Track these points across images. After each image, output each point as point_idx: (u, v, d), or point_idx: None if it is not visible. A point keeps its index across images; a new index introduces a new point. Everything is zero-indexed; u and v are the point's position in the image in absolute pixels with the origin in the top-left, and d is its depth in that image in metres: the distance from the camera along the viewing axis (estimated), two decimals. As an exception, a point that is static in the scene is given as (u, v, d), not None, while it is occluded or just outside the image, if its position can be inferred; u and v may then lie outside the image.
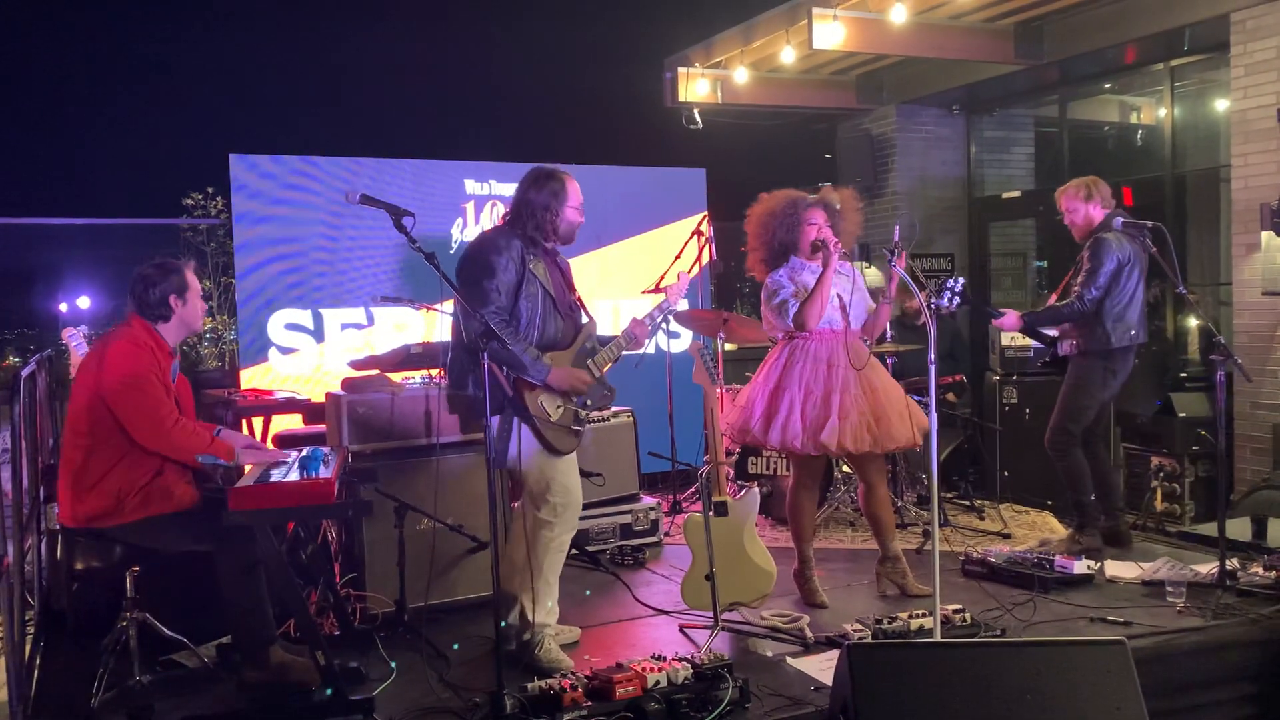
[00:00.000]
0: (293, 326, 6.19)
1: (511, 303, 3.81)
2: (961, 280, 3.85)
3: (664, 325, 5.86)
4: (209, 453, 3.69)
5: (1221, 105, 7.23)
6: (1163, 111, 7.61)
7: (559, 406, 3.88)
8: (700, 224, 6.49)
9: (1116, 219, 5.05)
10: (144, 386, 3.64)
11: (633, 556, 5.41)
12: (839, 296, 4.50)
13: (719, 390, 4.74)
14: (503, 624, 3.82)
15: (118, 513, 3.65)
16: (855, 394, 4.41)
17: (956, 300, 3.81)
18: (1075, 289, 5.10)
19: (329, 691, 3.43)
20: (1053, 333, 5.35)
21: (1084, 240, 5.23)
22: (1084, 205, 5.24)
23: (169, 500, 3.70)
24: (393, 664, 3.88)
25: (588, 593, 4.68)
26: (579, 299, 4.14)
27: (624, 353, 4.16)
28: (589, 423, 4.13)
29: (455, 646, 3.91)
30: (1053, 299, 5.47)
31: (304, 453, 3.88)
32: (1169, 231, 4.95)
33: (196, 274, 3.93)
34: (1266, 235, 6.03)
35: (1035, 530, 5.98)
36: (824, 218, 4.55)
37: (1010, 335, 6.92)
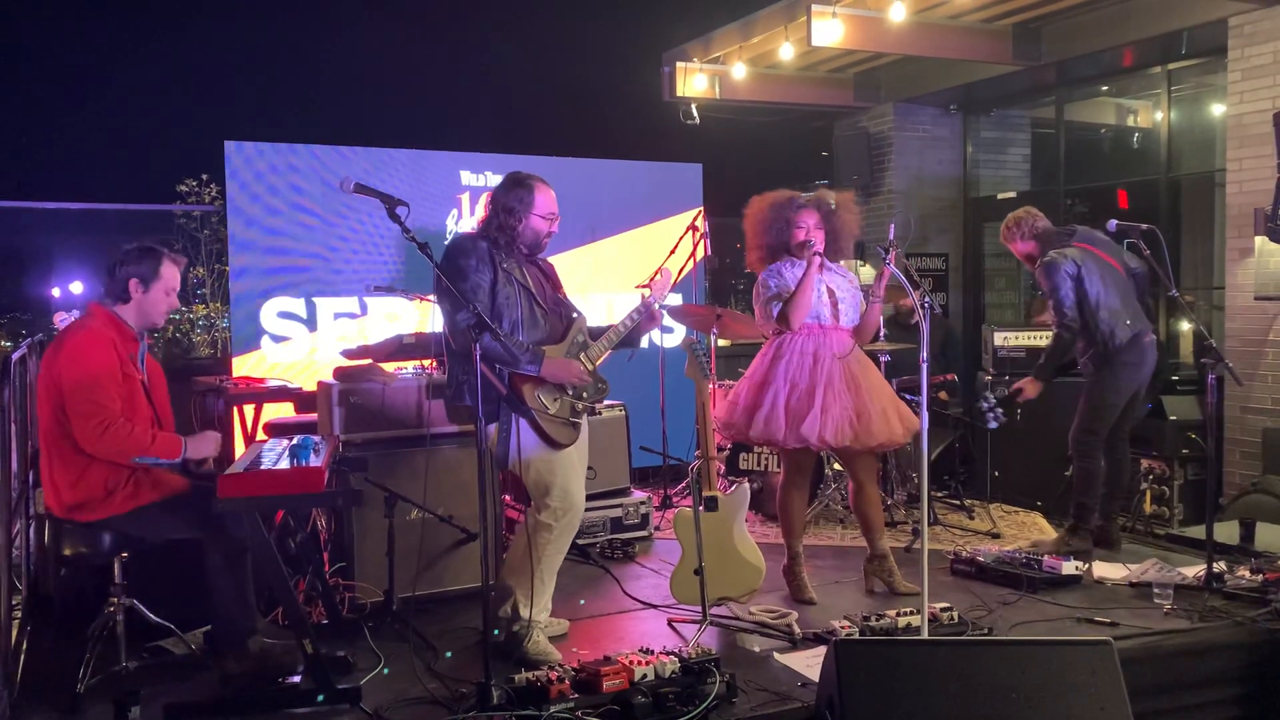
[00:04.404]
0: (285, 315, 6.17)
1: (491, 301, 3.79)
2: (990, 396, 3.98)
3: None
4: (150, 454, 3.61)
5: (1218, 109, 7.25)
6: (1159, 115, 7.62)
7: (556, 399, 3.87)
8: (696, 219, 6.50)
9: (1073, 233, 5.20)
10: (92, 390, 3.53)
11: (622, 550, 5.42)
12: (832, 292, 4.50)
13: (711, 386, 4.74)
14: (499, 613, 3.84)
15: (107, 504, 3.62)
16: (839, 389, 4.41)
17: (1000, 414, 3.98)
18: (1052, 320, 5.18)
19: (316, 683, 3.43)
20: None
21: (1034, 270, 5.28)
22: (1011, 245, 5.39)
23: (159, 488, 3.69)
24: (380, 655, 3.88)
25: (582, 602, 4.65)
26: (563, 295, 4.11)
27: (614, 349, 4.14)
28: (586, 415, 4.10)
29: (448, 654, 3.87)
30: (1045, 315, 5.53)
31: (294, 441, 3.87)
32: (1163, 235, 4.96)
33: (186, 264, 3.85)
34: (1260, 240, 6.05)
35: (1024, 530, 6.00)
36: (816, 219, 4.53)
37: (1003, 335, 6.94)
